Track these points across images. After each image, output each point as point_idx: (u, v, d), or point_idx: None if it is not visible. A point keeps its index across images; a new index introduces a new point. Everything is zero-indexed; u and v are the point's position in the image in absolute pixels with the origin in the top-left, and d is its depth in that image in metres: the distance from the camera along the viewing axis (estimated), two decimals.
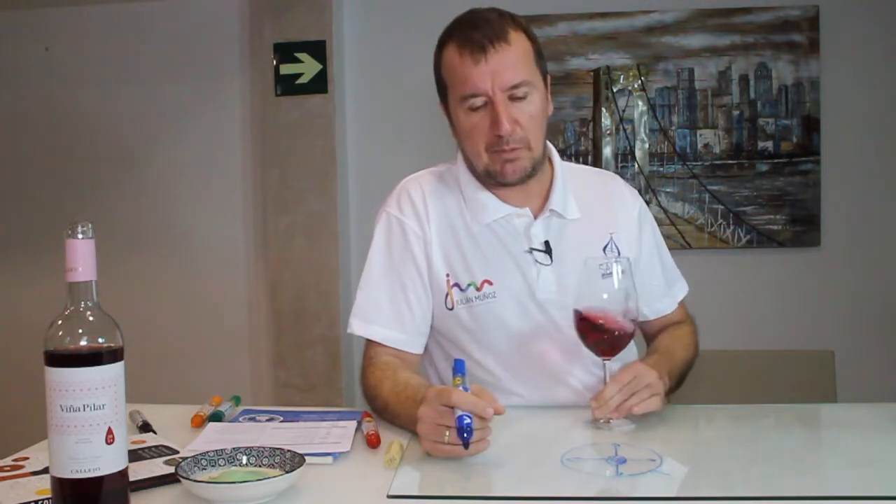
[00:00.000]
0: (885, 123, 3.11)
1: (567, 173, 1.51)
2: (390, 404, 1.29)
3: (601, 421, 1.24)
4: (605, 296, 1.25)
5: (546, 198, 1.46)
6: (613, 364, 1.32)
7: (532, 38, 1.39)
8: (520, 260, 1.43)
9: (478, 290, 1.42)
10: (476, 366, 1.44)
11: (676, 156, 3.15)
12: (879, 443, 1.17)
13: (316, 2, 3.15)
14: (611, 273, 1.26)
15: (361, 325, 1.45)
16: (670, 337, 1.50)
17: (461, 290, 1.43)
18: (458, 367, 1.20)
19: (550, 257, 1.43)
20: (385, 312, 1.44)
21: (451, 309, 1.44)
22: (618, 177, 1.62)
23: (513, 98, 1.34)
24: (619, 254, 1.45)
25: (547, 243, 1.43)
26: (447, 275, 1.44)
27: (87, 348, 0.88)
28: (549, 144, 1.51)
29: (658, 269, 1.54)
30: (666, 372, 1.33)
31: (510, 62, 1.33)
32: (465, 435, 1.04)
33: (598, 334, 1.26)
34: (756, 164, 3.13)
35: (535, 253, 1.43)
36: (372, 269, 1.48)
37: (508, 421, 1.31)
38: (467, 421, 1.05)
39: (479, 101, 1.35)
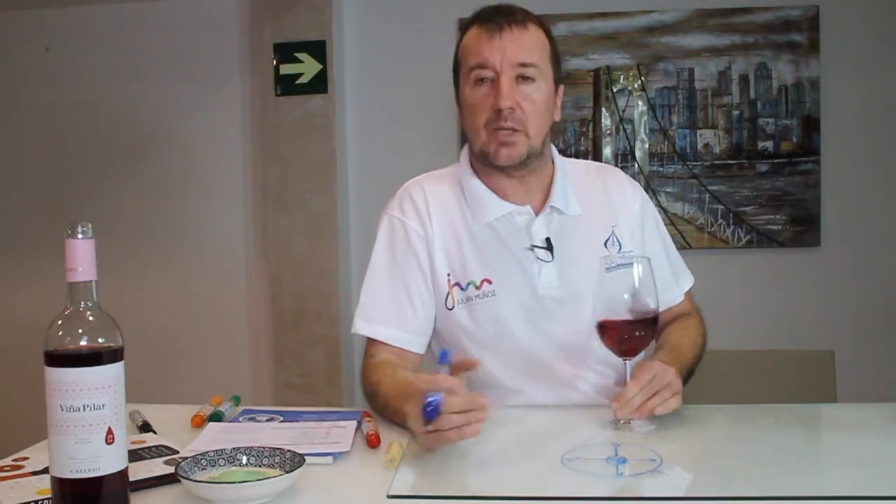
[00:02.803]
0: (885, 123, 3.11)
1: (567, 169, 1.51)
2: (390, 401, 1.29)
3: (622, 422, 1.23)
4: (626, 296, 1.24)
5: (547, 194, 1.46)
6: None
7: (552, 41, 1.44)
8: (521, 257, 1.43)
9: (477, 288, 1.43)
10: (493, 362, 1.43)
11: (676, 156, 3.15)
12: (879, 443, 1.16)
13: (316, 2, 3.15)
14: (618, 267, 1.25)
15: (365, 324, 1.45)
16: (678, 330, 1.50)
17: (462, 289, 1.44)
18: (441, 358, 1.20)
19: (552, 254, 1.43)
20: (388, 312, 1.44)
21: (452, 309, 1.44)
22: (618, 170, 1.62)
23: (519, 80, 1.38)
24: (620, 247, 1.45)
25: (548, 240, 1.44)
26: (448, 274, 1.44)
27: (87, 348, 0.88)
28: (551, 145, 1.52)
29: (664, 260, 1.53)
30: (678, 368, 1.32)
31: (523, 43, 1.38)
32: (429, 410, 1.05)
33: (619, 334, 1.25)
34: (756, 164, 3.12)
35: (536, 250, 1.43)
36: (375, 269, 1.48)
37: (509, 421, 1.31)
38: (432, 398, 1.05)
39: (486, 73, 1.38)
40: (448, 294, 1.44)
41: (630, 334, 1.25)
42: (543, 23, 1.44)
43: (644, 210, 1.54)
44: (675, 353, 1.41)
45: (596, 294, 1.27)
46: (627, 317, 1.24)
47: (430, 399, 1.05)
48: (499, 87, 1.36)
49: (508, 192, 1.46)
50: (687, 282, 1.60)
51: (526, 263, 1.43)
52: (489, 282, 1.42)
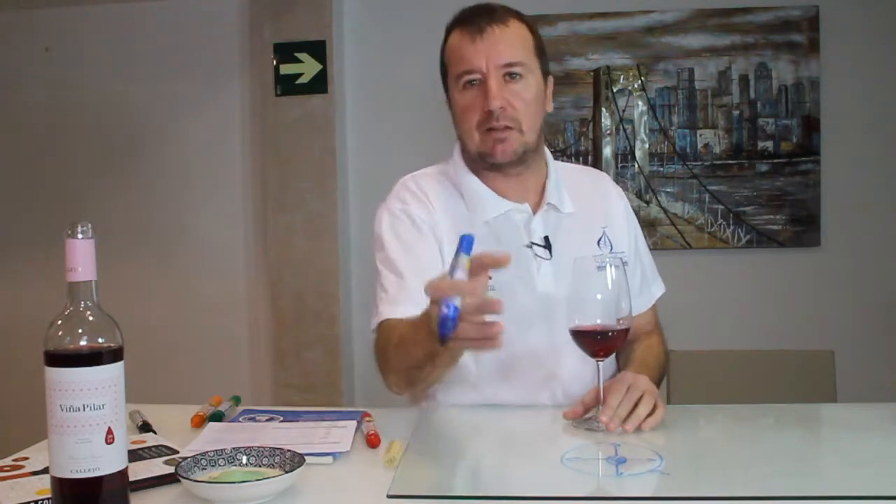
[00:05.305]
0: (885, 123, 3.11)
1: (558, 167, 1.53)
2: (406, 334, 1.21)
3: (595, 423, 1.23)
4: (598, 296, 1.24)
5: (542, 192, 1.48)
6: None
7: (534, 33, 1.44)
8: (520, 256, 1.42)
9: None
10: (468, 358, 1.41)
11: (676, 156, 3.15)
12: (879, 443, 1.16)
13: (316, 2, 3.15)
14: (605, 267, 1.25)
15: (391, 308, 1.35)
16: (642, 347, 1.50)
17: None
18: (464, 246, 1.01)
19: (550, 252, 1.44)
20: (413, 291, 1.34)
21: None
22: (604, 174, 1.65)
23: (507, 78, 1.38)
24: (611, 248, 1.47)
25: (546, 238, 1.44)
26: None
27: (87, 348, 0.88)
28: (544, 145, 1.53)
29: (636, 267, 1.55)
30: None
31: (506, 42, 1.38)
32: (446, 326, 0.92)
33: (590, 334, 1.25)
34: (756, 164, 3.12)
35: (535, 248, 1.44)
36: (387, 257, 1.42)
37: (508, 420, 1.31)
38: (444, 311, 0.92)
39: (473, 77, 1.38)
40: None
41: (603, 334, 1.24)
42: (524, 17, 1.44)
43: (628, 215, 1.57)
44: (643, 368, 1.40)
45: (569, 294, 1.25)
46: (600, 318, 1.24)
47: (444, 312, 0.92)
48: (487, 89, 1.37)
49: (506, 191, 1.46)
50: (658, 289, 1.61)
51: (525, 261, 1.43)
52: (489, 277, 1.40)
